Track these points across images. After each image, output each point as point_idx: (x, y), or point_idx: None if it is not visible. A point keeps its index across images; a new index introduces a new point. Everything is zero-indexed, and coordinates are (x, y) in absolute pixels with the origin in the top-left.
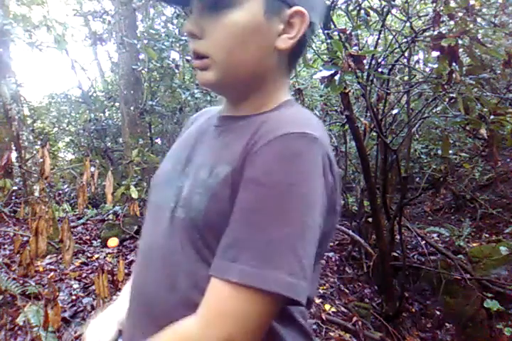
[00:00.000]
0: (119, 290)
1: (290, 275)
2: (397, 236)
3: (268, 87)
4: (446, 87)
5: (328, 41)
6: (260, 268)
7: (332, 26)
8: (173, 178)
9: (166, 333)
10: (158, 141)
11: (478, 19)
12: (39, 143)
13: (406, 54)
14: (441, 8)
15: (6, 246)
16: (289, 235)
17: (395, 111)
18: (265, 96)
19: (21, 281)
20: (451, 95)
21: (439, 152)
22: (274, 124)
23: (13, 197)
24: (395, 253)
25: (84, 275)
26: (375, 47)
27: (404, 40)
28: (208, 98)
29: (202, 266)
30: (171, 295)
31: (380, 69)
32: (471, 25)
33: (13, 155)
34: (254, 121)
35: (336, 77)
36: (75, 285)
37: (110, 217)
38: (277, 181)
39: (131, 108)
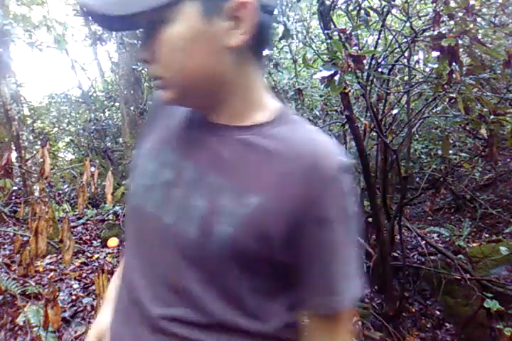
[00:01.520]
0: None
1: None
2: (397, 236)
3: (241, 87)
4: (446, 87)
5: (328, 41)
6: (357, 289)
7: (332, 26)
8: (163, 184)
9: None
10: None
11: (478, 19)
12: (39, 143)
13: (406, 54)
14: (441, 8)
15: (6, 246)
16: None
17: (395, 111)
18: (244, 98)
19: (21, 281)
20: (451, 95)
21: (439, 152)
22: (314, 152)
23: (13, 197)
24: (395, 253)
25: (84, 275)
26: (375, 47)
27: (404, 40)
28: None
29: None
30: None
31: (380, 69)
32: (471, 25)
33: (13, 155)
34: (269, 137)
35: (336, 77)
36: (75, 285)
37: (110, 217)
38: (350, 216)
39: (131, 108)
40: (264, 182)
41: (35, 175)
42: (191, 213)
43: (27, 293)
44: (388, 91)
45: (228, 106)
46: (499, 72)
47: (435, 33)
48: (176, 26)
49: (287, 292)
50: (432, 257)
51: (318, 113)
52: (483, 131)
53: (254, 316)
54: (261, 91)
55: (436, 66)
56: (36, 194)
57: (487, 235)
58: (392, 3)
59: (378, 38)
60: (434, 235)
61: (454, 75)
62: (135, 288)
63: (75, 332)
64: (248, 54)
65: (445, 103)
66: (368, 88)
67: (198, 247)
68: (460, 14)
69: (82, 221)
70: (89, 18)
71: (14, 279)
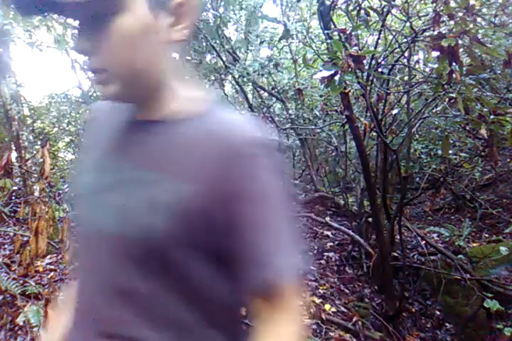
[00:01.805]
0: None
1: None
2: (397, 236)
3: (172, 81)
4: (446, 87)
5: (328, 41)
6: (292, 264)
7: (332, 26)
8: (102, 191)
9: None
10: None
11: (478, 19)
12: (39, 143)
13: (406, 54)
14: (441, 8)
15: (6, 246)
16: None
17: (395, 111)
18: (173, 92)
19: (21, 281)
20: (451, 95)
21: (439, 152)
22: (229, 132)
23: (13, 197)
24: (395, 253)
25: None
26: (375, 47)
27: (404, 40)
28: None
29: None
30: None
31: (380, 69)
32: (471, 25)
33: (13, 155)
34: (194, 127)
35: (336, 77)
36: None
37: None
38: (274, 191)
39: None
40: (190, 171)
41: (35, 175)
42: (128, 213)
43: (27, 293)
44: (388, 92)
45: (158, 101)
46: (499, 72)
47: (435, 33)
48: (126, 18)
49: (233, 278)
50: (432, 257)
51: (318, 113)
52: (483, 131)
53: (203, 307)
54: (187, 84)
55: (436, 66)
56: (36, 194)
57: (487, 235)
58: (392, 3)
59: (378, 38)
60: (434, 235)
61: (454, 75)
62: (85, 295)
63: None
64: (177, 48)
65: (445, 103)
66: (368, 88)
67: (138, 246)
68: (460, 14)
69: None
70: (38, 5)
71: (14, 279)
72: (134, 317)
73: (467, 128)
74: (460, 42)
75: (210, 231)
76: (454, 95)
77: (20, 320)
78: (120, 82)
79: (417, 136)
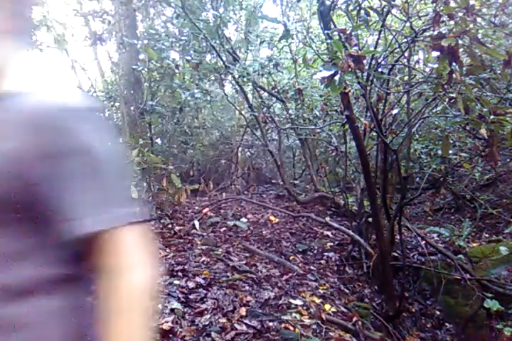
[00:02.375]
0: None
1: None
2: (397, 236)
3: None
4: (446, 87)
5: (328, 41)
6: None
7: (332, 26)
8: None
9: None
10: (158, 140)
11: (478, 19)
12: None
13: (406, 54)
14: (441, 8)
15: None
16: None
17: (395, 111)
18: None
19: None
20: (451, 95)
21: (439, 152)
22: (43, 102)
23: None
24: (395, 253)
25: None
26: (375, 47)
27: (404, 40)
28: (208, 98)
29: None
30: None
31: (380, 69)
32: (471, 25)
33: None
34: (16, 102)
35: (336, 77)
36: None
37: None
38: (101, 143)
39: (131, 108)
40: (10, 135)
41: None
42: None
43: None
44: (388, 92)
45: None
46: (499, 72)
47: (435, 33)
48: None
49: (53, 237)
50: (432, 257)
51: (318, 113)
52: (483, 131)
53: (31, 272)
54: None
55: (436, 66)
56: None
57: (487, 235)
58: (392, 3)
59: (378, 38)
60: (434, 235)
61: (454, 75)
62: None
63: None
64: (9, 38)
65: (445, 103)
66: (368, 88)
67: None
68: (460, 14)
69: None
70: None
71: None
72: None
73: (467, 128)
74: (460, 42)
75: (28, 191)
76: (454, 95)
77: None
78: None
79: (417, 136)
